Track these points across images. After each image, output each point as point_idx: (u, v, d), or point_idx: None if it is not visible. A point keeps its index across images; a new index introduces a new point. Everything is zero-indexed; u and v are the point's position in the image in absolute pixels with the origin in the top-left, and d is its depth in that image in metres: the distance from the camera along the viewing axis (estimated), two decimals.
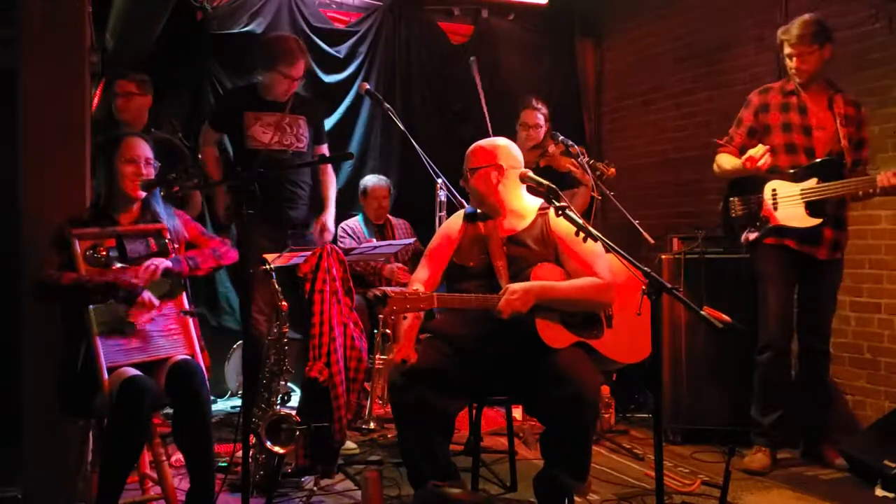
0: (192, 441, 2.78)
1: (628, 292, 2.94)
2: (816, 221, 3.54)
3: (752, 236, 3.68)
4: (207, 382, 2.84)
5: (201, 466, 2.77)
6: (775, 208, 3.63)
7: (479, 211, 3.11)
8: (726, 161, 3.78)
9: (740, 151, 3.72)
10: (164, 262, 2.86)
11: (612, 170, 4.47)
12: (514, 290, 2.75)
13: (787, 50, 3.64)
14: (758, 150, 3.54)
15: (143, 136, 3.07)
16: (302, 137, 4.15)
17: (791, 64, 3.63)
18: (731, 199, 3.79)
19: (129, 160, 2.93)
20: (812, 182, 3.55)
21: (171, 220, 3.07)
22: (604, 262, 2.89)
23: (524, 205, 3.08)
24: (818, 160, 3.57)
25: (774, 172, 3.62)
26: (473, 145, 3.12)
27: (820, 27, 3.57)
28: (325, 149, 4.31)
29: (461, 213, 3.18)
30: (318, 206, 4.32)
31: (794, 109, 3.68)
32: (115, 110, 4.14)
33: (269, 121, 4.05)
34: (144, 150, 2.98)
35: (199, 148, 4.28)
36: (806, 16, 3.64)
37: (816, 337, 3.73)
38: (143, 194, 2.97)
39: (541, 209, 3.05)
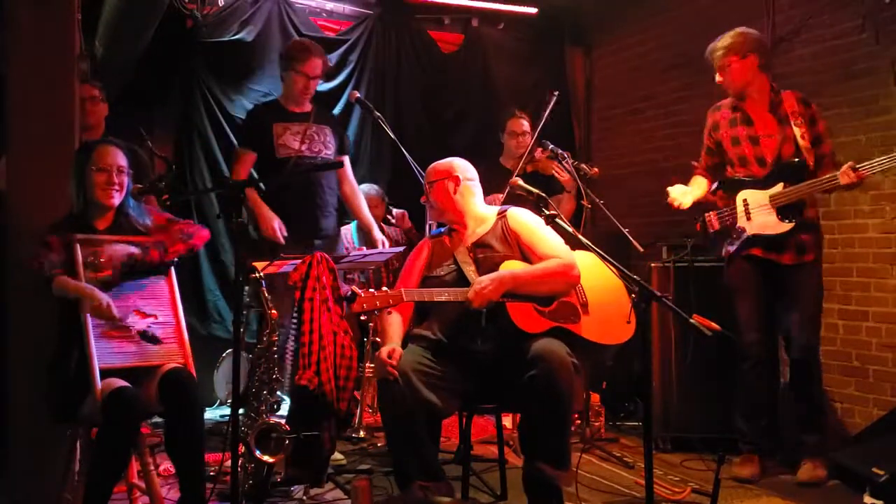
0: (184, 451, 2.76)
1: (609, 286, 3.06)
2: (790, 226, 3.55)
3: (732, 249, 3.70)
4: (198, 391, 2.83)
5: (192, 476, 2.76)
6: (748, 218, 3.65)
7: (441, 229, 3.28)
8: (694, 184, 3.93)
9: (707, 171, 3.92)
10: (130, 248, 2.83)
11: (596, 170, 4.48)
12: (482, 280, 2.88)
13: (715, 64, 3.73)
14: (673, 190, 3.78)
15: (117, 143, 3.04)
16: (329, 145, 4.19)
17: (717, 79, 3.73)
18: (707, 214, 3.83)
19: (101, 169, 2.92)
20: (779, 187, 3.56)
21: (144, 218, 3.05)
22: (563, 247, 3.00)
23: (482, 212, 3.25)
24: (784, 163, 3.59)
25: (736, 181, 3.70)
26: (430, 165, 3.32)
27: (740, 38, 3.65)
28: (346, 159, 4.35)
29: (421, 242, 3.32)
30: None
31: (740, 123, 3.72)
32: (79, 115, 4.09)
33: (297, 129, 4.09)
34: (117, 158, 2.96)
35: (231, 172, 4.25)
36: (736, 29, 3.71)
37: (796, 346, 3.66)
38: (117, 202, 2.97)
39: (499, 214, 3.21)
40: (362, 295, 2.72)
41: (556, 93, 4.53)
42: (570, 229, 2.68)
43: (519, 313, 2.89)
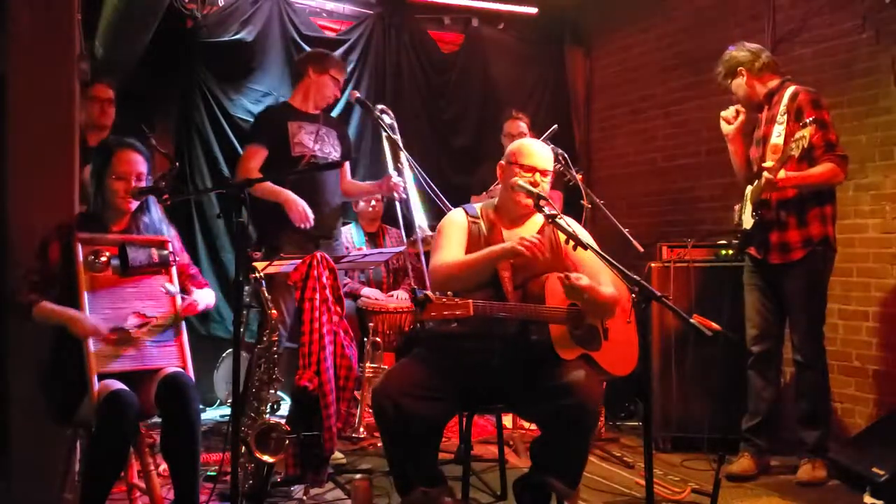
0: (179, 454, 2.76)
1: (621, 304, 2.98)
2: (752, 221, 3.61)
3: (734, 240, 3.79)
4: (198, 396, 2.82)
5: (187, 479, 2.75)
6: (742, 213, 3.73)
7: (475, 208, 3.08)
8: None
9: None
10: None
11: (580, 176, 4.50)
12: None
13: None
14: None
15: (138, 147, 2.97)
16: (336, 147, 4.22)
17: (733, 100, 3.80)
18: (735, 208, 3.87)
19: (119, 177, 2.87)
20: (750, 187, 3.65)
21: (161, 227, 3.04)
22: (609, 275, 2.87)
23: (536, 216, 3.06)
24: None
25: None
26: (543, 146, 3.07)
27: (722, 64, 3.76)
28: (346, 165, 4.38)
29: (460, 210, 3.09)
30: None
31: (757, 126, 3.78)
32: (91, 116, 4.08)
33: (311, 129, 4.12)
34: (137, 165, 2.90)
35: (239, 170, 4.11)
36: (726, 51, 3.79)
37: (793, 346, 3.68)
38: (135, 206, 2.94)
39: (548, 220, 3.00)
40: (434, 301, 2.53)
41: (556, 126, 4.56)
42: (571, 229, 2.67)
43: (556, 335, 2.82)
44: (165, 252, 2.96)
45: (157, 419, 2.96)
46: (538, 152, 3.00)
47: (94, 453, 2.67)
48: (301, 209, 3.93)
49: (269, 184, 3.95)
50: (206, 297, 3.10)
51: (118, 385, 2.68)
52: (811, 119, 3.36)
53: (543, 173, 2.96)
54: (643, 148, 5.66)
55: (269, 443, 3.06)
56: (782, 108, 3.56)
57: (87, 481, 2.65)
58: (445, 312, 2.55)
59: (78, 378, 2.71)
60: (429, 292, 2.56)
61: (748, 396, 3.77)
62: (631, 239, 3.98)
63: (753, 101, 3.73)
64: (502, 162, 3.05)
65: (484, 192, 4.56)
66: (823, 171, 3.46)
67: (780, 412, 3.84)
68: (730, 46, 3.79)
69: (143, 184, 2.92)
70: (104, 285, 2.83)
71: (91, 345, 2.71)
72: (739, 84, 3.72)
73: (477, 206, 3.10)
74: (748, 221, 3.65)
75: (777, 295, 3.68)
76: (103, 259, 2.82)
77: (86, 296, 2.77)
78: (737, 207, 3.79)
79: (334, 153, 4.19)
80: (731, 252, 4.17)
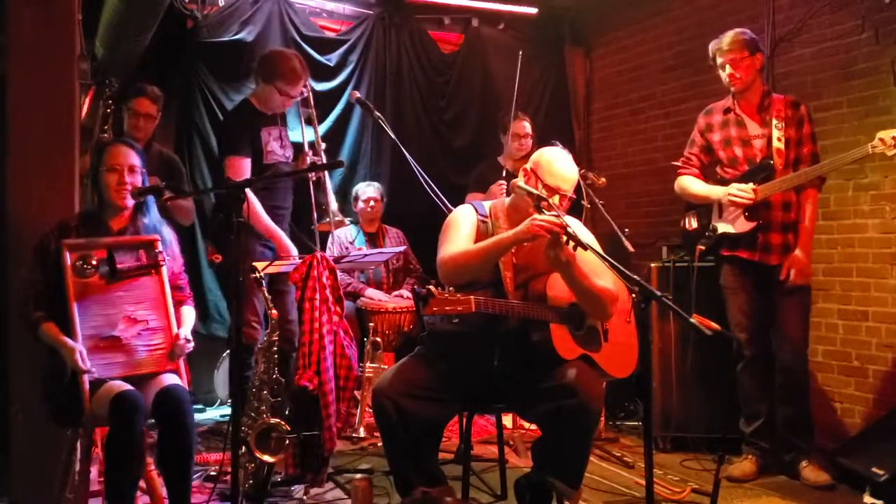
0: (173, 465, 2.77)
1: (619, 305, 2.97)
2: (751, 225, 3.59)
3: (702, 247, 3.75)
4: (192, 408, 2.82)
5: (180, 490, 2.77)
6: (720, 217, 3.71)
7: (485, 208, 3.06)
8: (693, 184, 3.83)
9: (701, 170, 3.86)
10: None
11: (603, 180, 4.48)
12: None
13: (719, 60, 3.69)
14: (745, 189, 3.57)
15: (129, 143, 3.00)
16: (291, 147, 4.21)
17: (725, 74, 3.68)
18: (688, 213, 3.86)
19: (111, 169, 2.88)
20: (749, 188, 3.59)
21: (166, 231, 3.04)
22: (610, 276, 2.85)
23: None
24: (753, 167, 3.62)
25: (722, 181, 3.72)
26: (574, 169, 2.98)
27: (749, 36, 3.66)
28: None
29: (470, 206, 3.06)
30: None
31: (732, 125, 3.74)
32: (127, 127, 4.08)
33: (276, 134, 4.09)
34: (128, 157, 2.91)
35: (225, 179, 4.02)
36: (736, 29, 3.71)
37: (785, 348, 3.67)
38: (132, 203, 2.93)
39: None
40: (437, 296, 2.53)
41: (520, 52, 4.68)
42: (571, 231, 2.67)
43: (557, 335, 2.82)
44: (154, 252, 2.93)
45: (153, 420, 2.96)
46: (567, 177, 2.92)
47: (111, 457, 2.66)
48: (289, 249, 3.96)
49: (264, 219, 3.93)
50: (189, 321, 3.05)
51: (125, 386, 2.69)
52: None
53: (563, 197, 2.92)
54: (643, 148, 5.66)
55: (269, 443, 3.07)
56: (781, 112, 3.58)
57: (107, 483, 2.66)
58: (447, 308, 2.56)
59: (76, 379, 2.70)
60: (431, 287, 2.57)
61: (743, 401, 3.76)
62: (623, 238, 3.97)
63: (749, 86, 3.66)
64: (526, 167, 2.98)
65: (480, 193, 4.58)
66: (813, 210, 3.62)
67: (777, 412, 3.84)
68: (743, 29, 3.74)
69: (137, 178, 2.92)
70: (94, 291, 2.81)
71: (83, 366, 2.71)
72: (753, 63, 3.63)
73: (486, 205, 3.08)
74: (726, 225, 3.66)
75: (767, 296, 3.68)
76: (93, 264, 2.81)
77: (75, 306, 2.75)
78: (691, 213, 3.80)
79: (290, 155, 4.17)
80: (683, 255, 4.15)
